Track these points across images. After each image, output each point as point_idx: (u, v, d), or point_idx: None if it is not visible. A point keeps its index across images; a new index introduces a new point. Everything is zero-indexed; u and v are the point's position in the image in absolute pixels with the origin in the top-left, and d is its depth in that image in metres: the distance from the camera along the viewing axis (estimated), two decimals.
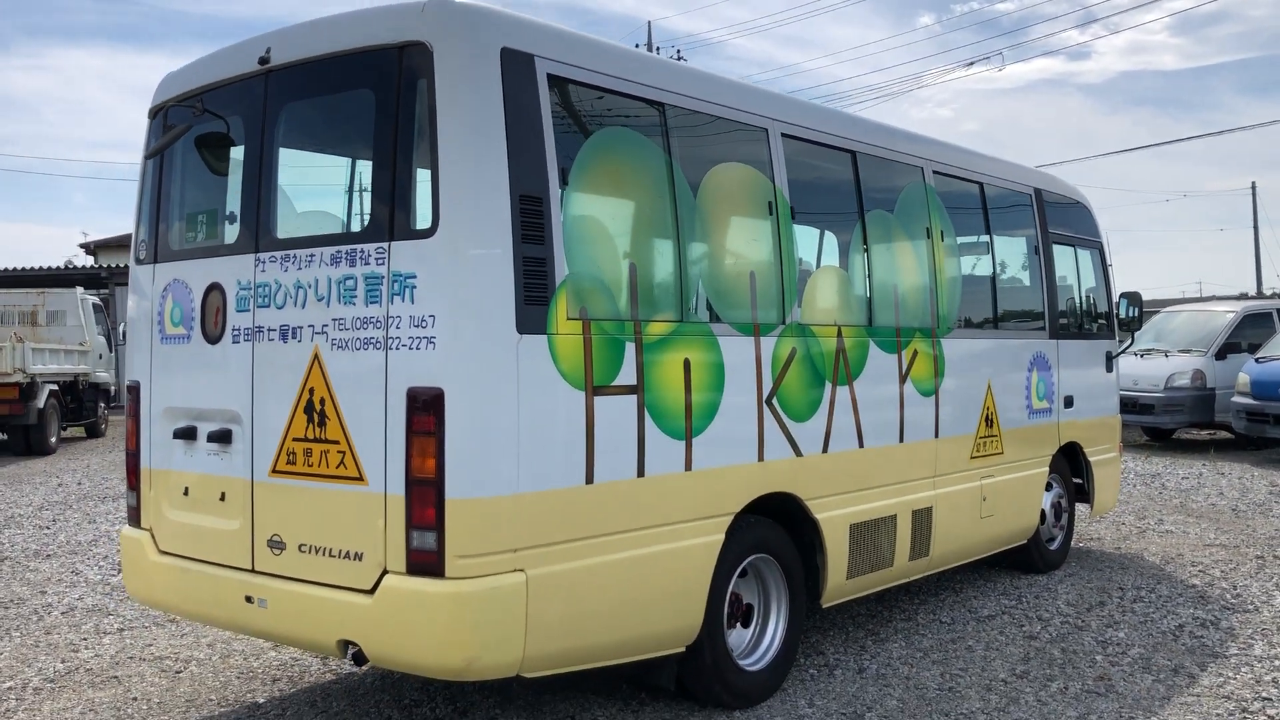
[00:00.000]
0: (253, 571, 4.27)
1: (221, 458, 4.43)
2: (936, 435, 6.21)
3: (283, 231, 4.32)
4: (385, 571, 3.86)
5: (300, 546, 4.11)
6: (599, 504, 4.15)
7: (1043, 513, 7.62)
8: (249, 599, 4.25)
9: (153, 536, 4.75)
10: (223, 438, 4.40)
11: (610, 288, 4.31)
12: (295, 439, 4.14)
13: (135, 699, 5.27)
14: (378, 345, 3.90)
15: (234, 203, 4.51)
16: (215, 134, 4.63)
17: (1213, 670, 5.55)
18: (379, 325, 3.90)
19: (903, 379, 5.93)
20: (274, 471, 4.21)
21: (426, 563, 3.77)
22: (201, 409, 4.54)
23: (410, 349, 3.82)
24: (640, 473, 4.33)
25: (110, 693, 5.37)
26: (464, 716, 4.90)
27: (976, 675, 5.44)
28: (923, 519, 6.07)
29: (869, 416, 5.64)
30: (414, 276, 3.82)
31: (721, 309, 4.89)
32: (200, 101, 4.62)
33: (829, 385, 5.38)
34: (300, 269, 4.14)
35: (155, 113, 4.87)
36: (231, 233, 4.49)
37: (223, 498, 4.41)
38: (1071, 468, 8.02)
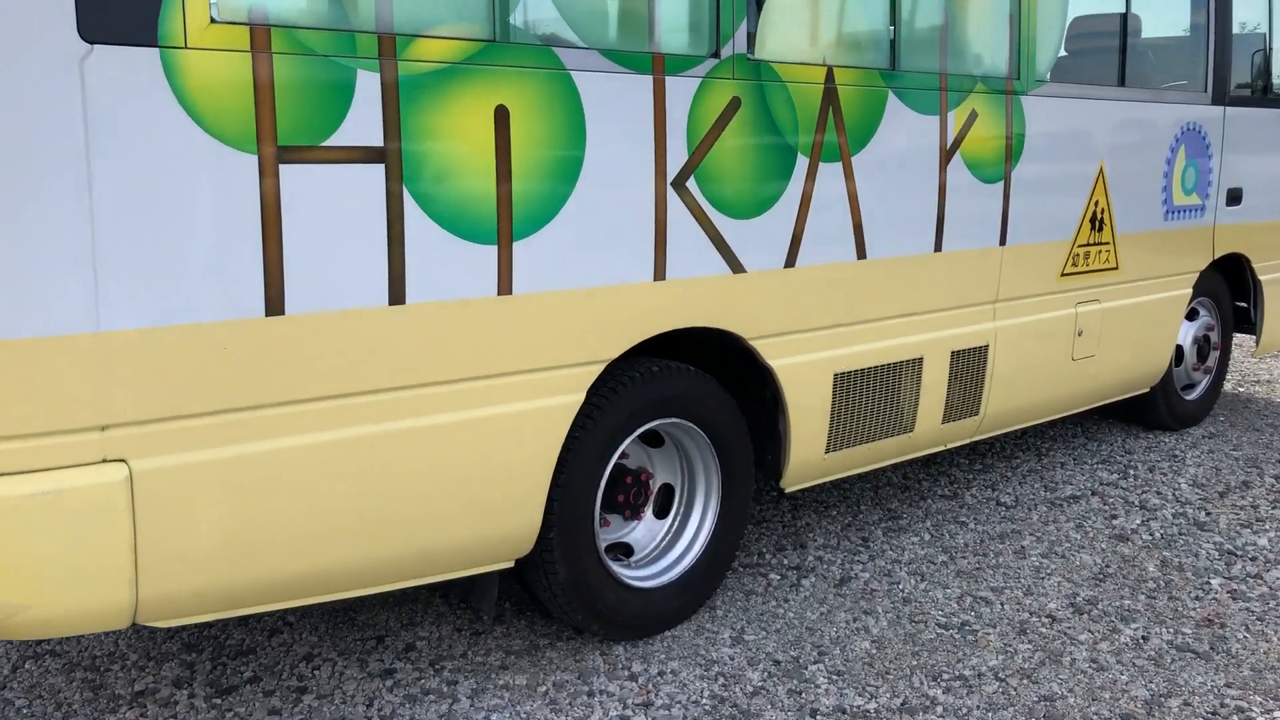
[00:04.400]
0: None
1: None
2: (1003, 241, 4.20)
3: None
4: None
5: None
6: (299, 350, 2.47)
7: (1179, 349, 5.53)
8: None
9: None
10: None
11: None
12: None
13: None
14: None
15: None
16: None
17: None
18: None
19: (947, 155, 3.91)
20: None
21: None
22: None
23: None
24: (397, 298, 2.60)
25: None
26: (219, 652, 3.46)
27: (1013, 602, 3.64)
28: (970, 363, 4.16)
29: (879, 212, 3.70)
30: None
31: (585, 27, 2.99)
32: None
33: (802, 161, 3.44)
34: None
35: None
36: None
37: None
38: (1232, 288, 5.82)
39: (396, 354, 2.61)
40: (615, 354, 3.05)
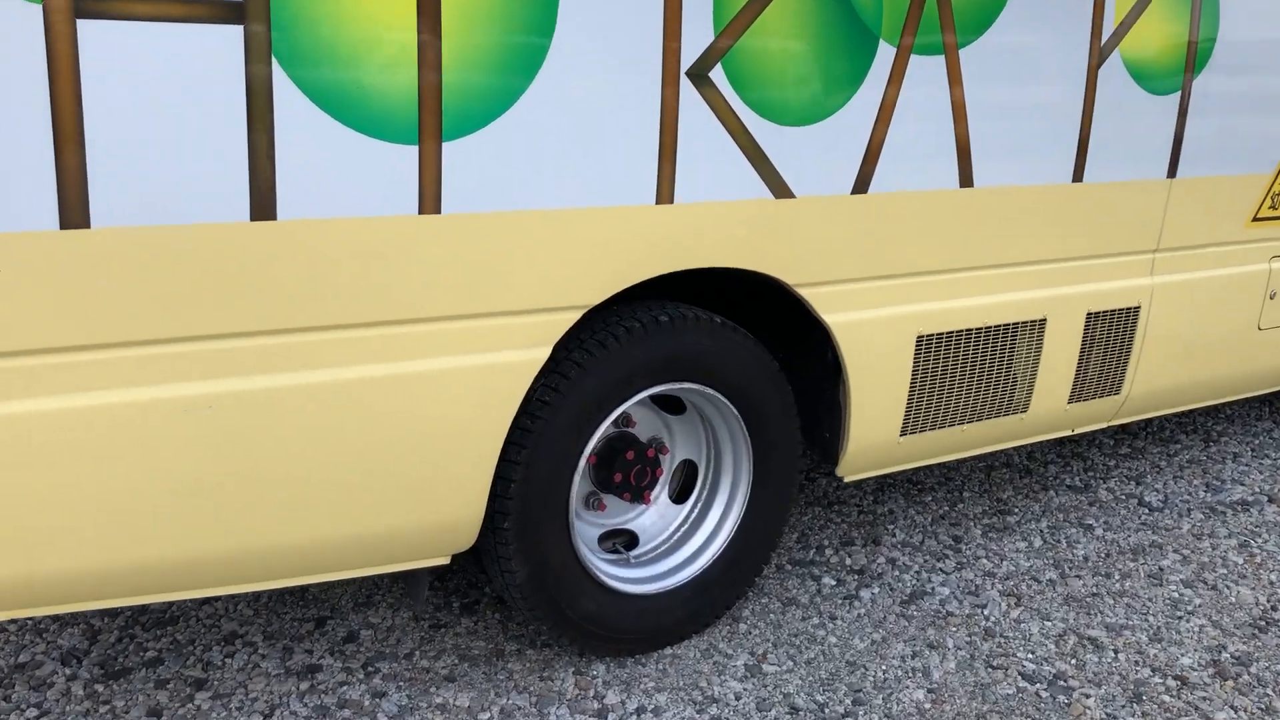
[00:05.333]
0: None
1: None
2: (1173, 173, 3.21)
3: None
4: None
5: None
6: (112, 274, 1.83)
7: None
8: None
9: None
10: None
11: None
12: None
13: None
14: None
15: None
16: None
17: None
18: None
19: (1102, 55, 2.94)
20: None
21: None
22: None
23: None
24: (264, 212, 1.93)
25: None
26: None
27: (1132, 649, 2.77)
28: (1114, 328, 3.22)
29: (995, 126, 2.79)
30: None
31: None
32: None
33: (885, 51, 2.56)
34: None
35: None
36: None
37: None
38: None
39: (258, 287, 1.95)
40: (596, 299, 2.31)
